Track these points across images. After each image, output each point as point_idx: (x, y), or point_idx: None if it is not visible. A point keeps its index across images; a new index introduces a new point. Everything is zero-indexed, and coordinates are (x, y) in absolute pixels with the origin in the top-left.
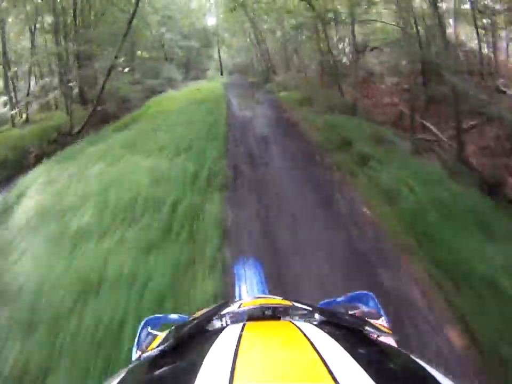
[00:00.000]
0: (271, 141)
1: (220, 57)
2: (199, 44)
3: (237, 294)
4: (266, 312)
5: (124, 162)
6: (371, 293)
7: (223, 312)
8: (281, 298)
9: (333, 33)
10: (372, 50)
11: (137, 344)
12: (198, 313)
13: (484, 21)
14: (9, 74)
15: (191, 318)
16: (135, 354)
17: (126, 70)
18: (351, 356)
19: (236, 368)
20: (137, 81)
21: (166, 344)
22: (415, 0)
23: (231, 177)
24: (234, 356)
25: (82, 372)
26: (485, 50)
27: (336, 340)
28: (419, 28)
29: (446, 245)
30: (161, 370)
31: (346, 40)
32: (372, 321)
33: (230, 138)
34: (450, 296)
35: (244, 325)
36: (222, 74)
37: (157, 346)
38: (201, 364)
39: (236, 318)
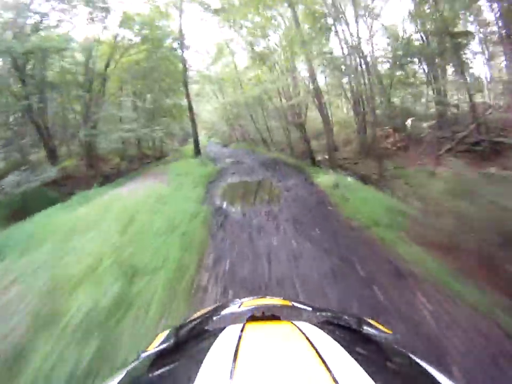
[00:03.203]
0: None
1: (189, 103)
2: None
3: None
4: (266, 313)
5: None
6: None
7: (223, 313)
8: (281, 298)
9: None
10: None
11: None
12: (198, 313)
13: None
14: None
15: (191, 318)
16: None
17: None
18: (351, 355)
19: (235, 369)
20: None
21: (166, 344)
22: None
23: None
24: (234, 356)
25: None
26: None
27: (336, 340)
28: None
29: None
30: (161, 370)
31: None
32: (371, 320)
33: None
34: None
35: (243, 325)
36: (198, 152)
37: (157, 346)
38: (201, 364)
39: (236, 318)
